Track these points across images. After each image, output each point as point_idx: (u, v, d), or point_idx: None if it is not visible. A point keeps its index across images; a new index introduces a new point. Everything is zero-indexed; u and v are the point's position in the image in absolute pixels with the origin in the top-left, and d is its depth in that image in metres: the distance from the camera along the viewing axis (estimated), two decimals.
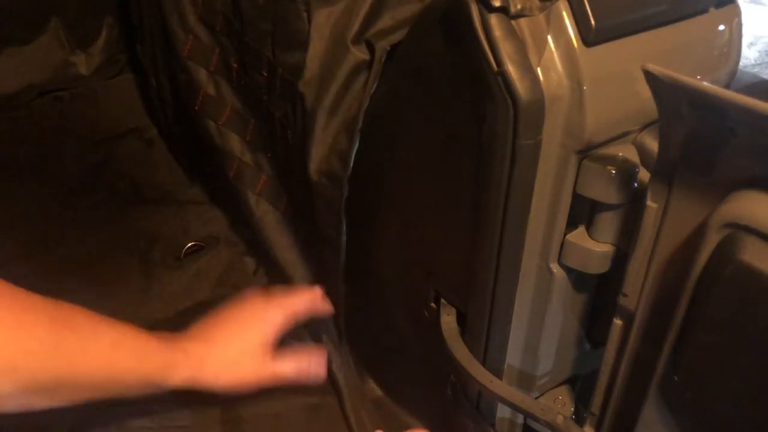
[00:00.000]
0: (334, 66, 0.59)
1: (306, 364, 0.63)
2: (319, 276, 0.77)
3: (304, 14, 0.60)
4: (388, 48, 0.55)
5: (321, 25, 0.60)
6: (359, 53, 0.58)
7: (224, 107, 0.82)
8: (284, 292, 0.65)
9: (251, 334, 0.61)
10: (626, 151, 0.47)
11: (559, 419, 0.50)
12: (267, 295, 0.64)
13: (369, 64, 0.57)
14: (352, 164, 0.60)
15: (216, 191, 1.02)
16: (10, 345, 0.48)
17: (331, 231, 0.66)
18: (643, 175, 0.46)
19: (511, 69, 0.42)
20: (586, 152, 0.47)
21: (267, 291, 0.65)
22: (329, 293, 0.70)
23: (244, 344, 0.61)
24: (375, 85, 0.56)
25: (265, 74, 0.69)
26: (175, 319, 0.84)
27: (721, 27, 0.52)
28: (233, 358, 0.60)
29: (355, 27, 0.57)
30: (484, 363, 0.56)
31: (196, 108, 0.85)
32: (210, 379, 0.59)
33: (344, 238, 0.66)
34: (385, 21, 0.57)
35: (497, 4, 0.42)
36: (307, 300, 0.66)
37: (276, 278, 0.83)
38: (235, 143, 0.82)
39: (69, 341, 0.52)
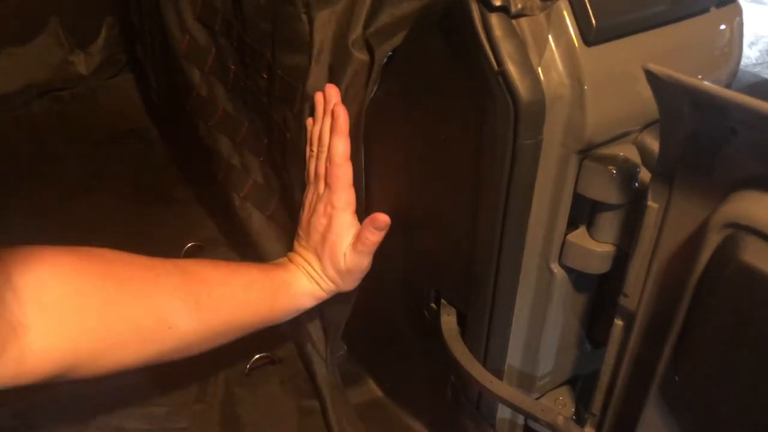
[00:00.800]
0: (338, 68, 0.59)
1: None
2: None
3: (304, 16, 0.60)
4: (390, 52, 0.55)
5: (324, 26, 0.59)
6: (361, 55, 0.57)
7: (215, 108, 0.82)
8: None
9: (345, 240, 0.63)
10: (627, 151, 0.47)
11: (560, 420, 0.50)
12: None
13: (370, 67, 0.57)
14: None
15: (209, 192, 1.02)
16: (156, 309, 0.53)
17: None
18: (644, 175, 0.46)
19: (512, 69, 0.42)
20: (587, 152, 0.47)
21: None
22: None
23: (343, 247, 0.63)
24: (375, 87, 0.56)
25: (266, 76, 0.69)
26: None
27: (722, 26, 0.52)
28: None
29: (357, 29, 0.57)
30: (484, 363, 0.56)
31: (188, 108, 0.85)
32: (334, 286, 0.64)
33: None
34: (384, 18, 0.57)
35: (498, 3, 0.41)
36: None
37: None
38: (224, 145, 0.82)
39: (205, 293, 0.56)
